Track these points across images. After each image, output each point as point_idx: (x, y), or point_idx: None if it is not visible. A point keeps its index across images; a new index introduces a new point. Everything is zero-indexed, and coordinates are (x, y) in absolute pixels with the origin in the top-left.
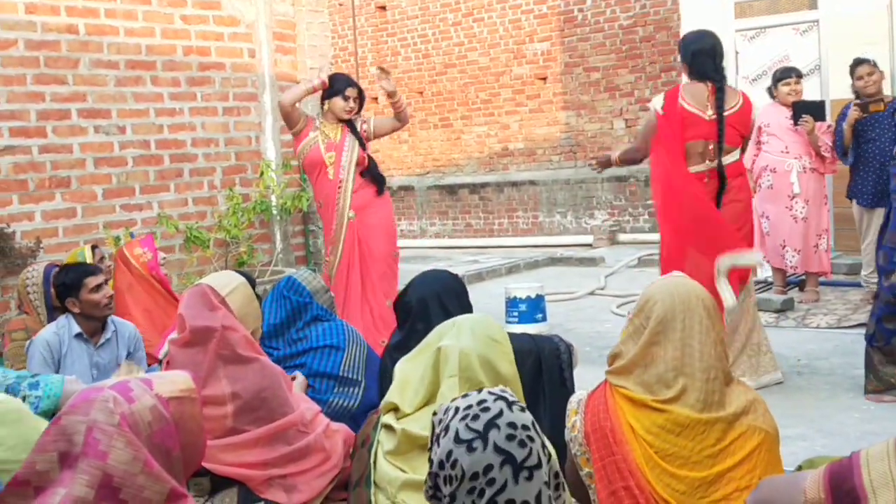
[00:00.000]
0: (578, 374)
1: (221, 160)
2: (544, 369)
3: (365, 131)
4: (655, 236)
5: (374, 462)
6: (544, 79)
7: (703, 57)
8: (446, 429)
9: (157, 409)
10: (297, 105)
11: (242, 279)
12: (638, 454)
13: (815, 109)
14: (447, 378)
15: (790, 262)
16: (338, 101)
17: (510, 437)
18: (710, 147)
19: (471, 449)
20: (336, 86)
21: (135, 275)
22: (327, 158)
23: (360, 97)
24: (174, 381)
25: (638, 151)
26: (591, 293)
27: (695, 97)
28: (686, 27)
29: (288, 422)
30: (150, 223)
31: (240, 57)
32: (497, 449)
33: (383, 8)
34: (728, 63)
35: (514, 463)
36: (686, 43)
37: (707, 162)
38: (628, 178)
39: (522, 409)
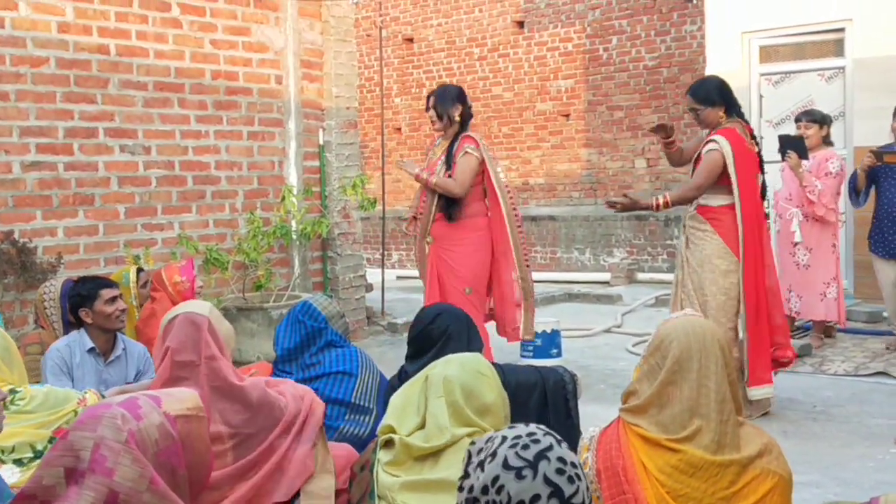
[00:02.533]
0: (593, 412)
1: (244, 184)
2: (549, 402)
3: (457, 163)
4: (673, 276)
5: (376, 478)
6: (567, 115)
7: (732, 95)
8: (493, 454)
9: (165, 427)
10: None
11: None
12: (650, 494)
13: (797, 144)
14: (434, 398)
15: (794, 307)
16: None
17: (560, 472)
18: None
19: (520, 476)
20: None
21: (170, 300)
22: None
23: (438, 112)
24: (182, 399)
25: (698, 190)
26: (608, 331)
27: (746, 136)
28: (711, 69)
29: (284, 425)
30: (171, 243)
31: (267, 83)
32: (546, 480)
33: (410, 40)
34: (752, 106)
35: (562, 497)
36: (707, 86)
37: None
38: (648, 218)
39: (570, 449)
